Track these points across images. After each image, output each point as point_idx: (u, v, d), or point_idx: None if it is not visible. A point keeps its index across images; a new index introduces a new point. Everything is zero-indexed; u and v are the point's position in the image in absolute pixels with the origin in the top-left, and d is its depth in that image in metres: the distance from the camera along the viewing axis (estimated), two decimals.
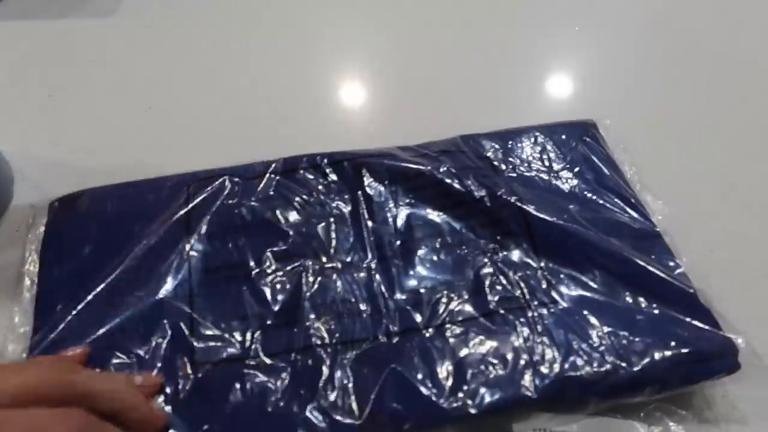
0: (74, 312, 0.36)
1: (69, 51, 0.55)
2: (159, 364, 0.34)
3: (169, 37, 0.56)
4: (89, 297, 0.36)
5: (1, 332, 0.36)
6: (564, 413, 0.33)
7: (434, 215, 0.39)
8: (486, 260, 0.37)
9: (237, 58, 0.55)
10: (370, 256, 0.38)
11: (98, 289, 0.36)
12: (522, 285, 0.36)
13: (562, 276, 0.37)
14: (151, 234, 0.39)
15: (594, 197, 0.41)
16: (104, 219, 0.40)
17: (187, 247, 0.38)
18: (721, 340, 0.34)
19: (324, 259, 0.38)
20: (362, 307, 0.36)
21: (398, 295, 0.36)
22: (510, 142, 0.44)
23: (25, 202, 0.43)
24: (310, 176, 0.41)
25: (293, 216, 0.39)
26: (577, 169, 0.43)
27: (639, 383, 0.33)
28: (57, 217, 0.41)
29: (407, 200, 0.40)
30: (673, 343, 0.34)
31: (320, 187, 0.41)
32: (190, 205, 0.40)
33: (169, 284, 0.36)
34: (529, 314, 0.35)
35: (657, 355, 0.33)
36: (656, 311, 0.35)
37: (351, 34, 0.58)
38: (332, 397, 0.33)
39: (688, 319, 0.35)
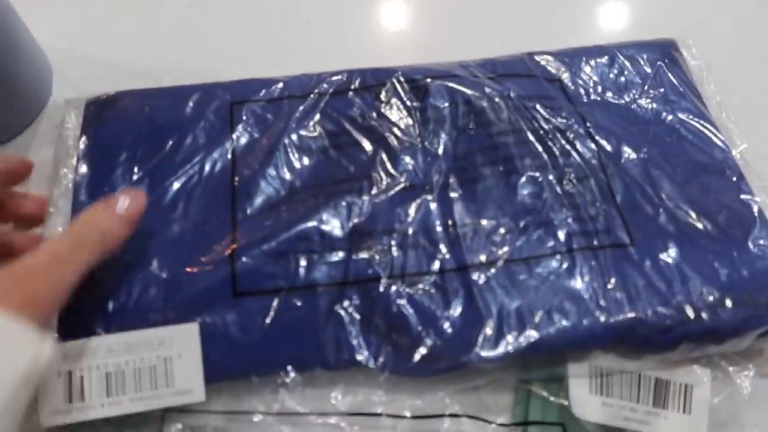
0: None
1: None
2: (199, 289, 0.32)
3: None
4: None
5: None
6: (623, 356, 0.32)
7: (499, 143, 0.36)
8: (555, 194, 0.35)
9: None
10: (426, 183, 0.35)
11: None
12: (593, 222, 0.34)
13: (636, 216, 0.34)
14: (191, 151, 0.36)
15: (675, 127, 0.38)
16: (140, 126, 0.37)
17: (231, 169, 0.36)
18: None
19: (377, 186, 0.35)
20: (419, 239, 0.33)
21: (457, 228, 0.34)
22: (583, 63, 0.40)
23: (62, 99, 0.41)
24: (363, 96, 0.38)
25: (345, 139, 0.37)
26: (656, 95, 0.39)
27: (709, 334, 0.31)
28: (92, 118, 0.38)
29: (470, 125, 0.37)
30: (747, 295, 0.32)
31: (374, 108, 0.37)
32: (236, 128, 0.37)
33: (208, 209, 0.34)
34: (600, 253, 0.33)
35: (730, 307, 0.31)
36: (733, 260, 0.33)
37: None
38: (380, 332, 0.32)
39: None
